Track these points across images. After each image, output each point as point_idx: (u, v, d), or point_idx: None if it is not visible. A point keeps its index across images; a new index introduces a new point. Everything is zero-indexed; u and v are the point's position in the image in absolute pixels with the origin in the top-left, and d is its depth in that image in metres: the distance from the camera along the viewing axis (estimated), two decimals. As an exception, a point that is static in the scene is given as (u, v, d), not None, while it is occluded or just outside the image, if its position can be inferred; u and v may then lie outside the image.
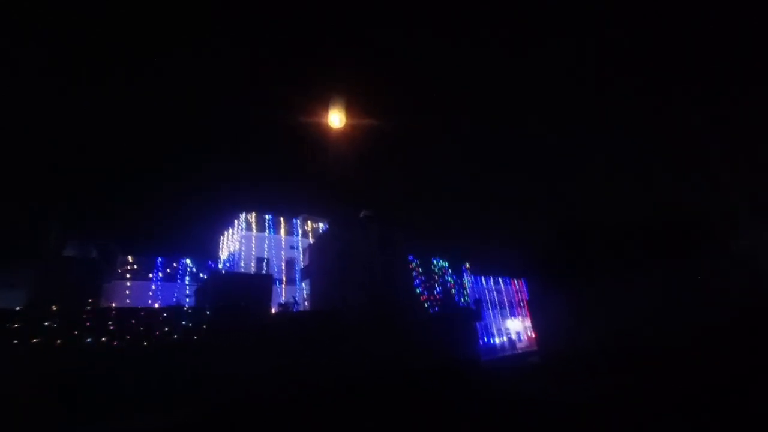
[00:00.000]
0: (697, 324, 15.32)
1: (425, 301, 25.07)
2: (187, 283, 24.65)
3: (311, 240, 30.83)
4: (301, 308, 26.91)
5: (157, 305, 21.48)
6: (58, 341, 11.42)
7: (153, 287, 23.59)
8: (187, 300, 21.12)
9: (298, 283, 29.34)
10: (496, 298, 40.58)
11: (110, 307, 16.34)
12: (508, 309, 40.84)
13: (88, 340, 11.80)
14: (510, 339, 38.46)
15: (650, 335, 16.63)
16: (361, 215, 25.60)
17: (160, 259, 25.05)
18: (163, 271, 24.71)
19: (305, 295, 28.41)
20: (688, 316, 15.91)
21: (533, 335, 27.02)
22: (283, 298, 27.14)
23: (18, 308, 12.58)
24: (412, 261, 25.84)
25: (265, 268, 28.63)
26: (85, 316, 12.14)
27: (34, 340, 11.19)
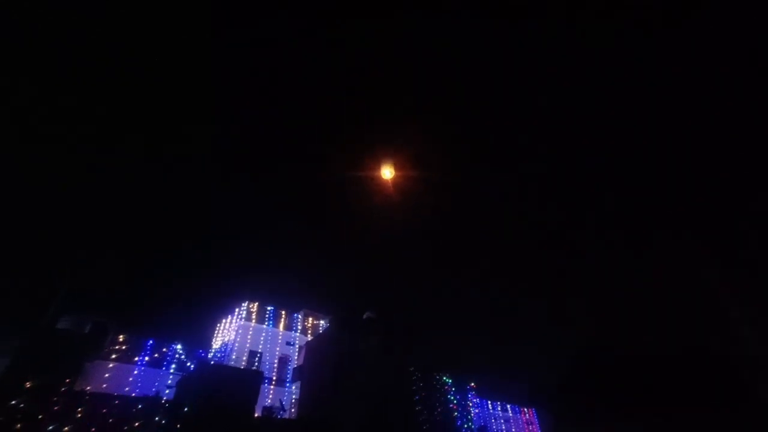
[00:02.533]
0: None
1: (424, 422, 22.57)
2: (171, 371, 23.12)
3: (309, 337, 29.48)
4: (288, 416, 24.43)
5: (134, 394, 19.88)
6: (18, 426, 10.42)
7: (135, 372, 22.13)
8: (167, 391, 19.58)
9: (288, 384, 27.20)
10: (503, 427, 36.26)
11: (85, 390, 15.20)
12: (516, 443, 36.08)
13: (50, 428, 10.74)
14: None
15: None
16: (365, 317, 24.81)
17: (151, 341, 23.98)
18: (151, 355, 23.42)
19: (293, 400, 26.05)
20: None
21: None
22: (269, 401, 24.92)
23: (-9, 381, 11.84)
24: (414, 373, 24.03)
25: (256, 364, 26.92)
26: (56, 398, 11.26)
27: (-6, 421, 10.25)
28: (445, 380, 27.06)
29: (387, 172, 24.20)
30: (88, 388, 18.89)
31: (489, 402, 36.66)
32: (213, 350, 29.66)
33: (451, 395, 27.26)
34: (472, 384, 34.00)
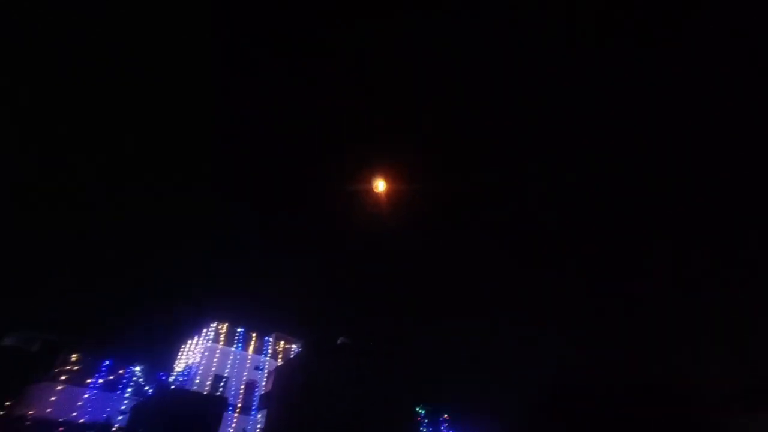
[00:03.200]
0: None
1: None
2: (127, 395, 21.51)
3: (280, 362, 28.23)
4: (250, 446, 22.97)
5: (83, 420, 18.30)
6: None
7: (86, 395, 20.47)
8: (119, 417, 18.13)
9: (254, 412, 25.72)
10: (476, 463, 35.14)
11: (26, 415, 13.86)
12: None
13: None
14: None
15: None
16: (339, 342, 24.03)
17: (107, 362, 22.38)
18: (106, 377, 21.79)
19: (258, 429, 24.57)
20: None
21: None
22: (232, 430, 23.45)
23: None
24: (387, 403, 23.18)
25: (221, 389, 25.44)
26: (-10, 424, 10.14)
27: None
28: (418, 410, 26.23)
29: (380, 185, 24.10)
30: (31, 412, 17.24)
31: (462, 435, 35.61)
32: (175, 373, 27.93)
33: (424, 427, 26.38)
34: (446, 415, 33.08)
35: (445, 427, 31.95)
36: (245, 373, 27.21)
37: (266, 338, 29.80)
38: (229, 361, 26.93)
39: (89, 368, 21.70)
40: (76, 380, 20.82)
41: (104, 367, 21.86)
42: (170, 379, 26.24)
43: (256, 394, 26.76)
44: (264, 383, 27.40)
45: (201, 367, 25.68)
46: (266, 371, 28.04)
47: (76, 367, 20.84)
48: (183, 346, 30.76)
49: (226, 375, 26.28)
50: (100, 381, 21.31)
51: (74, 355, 21.01)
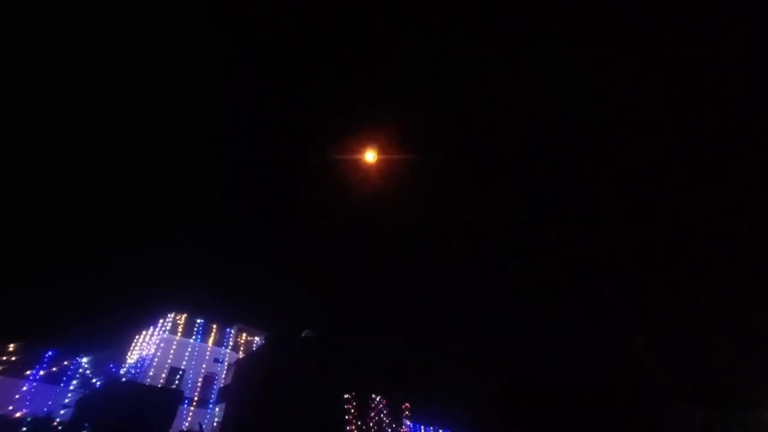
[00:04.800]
0: None
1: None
2: (72, 388, 20.16)
3: (241, 355, 27.46)
4: (206, 441, 22.19)
5: (19, 414, 16.94)
6: None
7: (25, 388, 18.98)
8: (62, 411, 16.95)
9: (211, 405, 24.89)
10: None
11: (-48, 408, 12.63)
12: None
13: None
14: None
15: None
16: (303, 335, 23.61)
17: (50, 352, 20.84)
18: (48, 369, 20.29)
19: (215, 423, 23.80)
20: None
21: None
22: (187, 424, 22.59)
23: None
24: (349, 395, 23.08)
25: (177, 383, 24.41)
26: None
27: None
28: (378, 401, 26.33)
29: (370, 156, 23.17)
30: (-41, 406, 15.76)
31: (422, 426, 36.19)
32: (127, 365, 26.53)
33: (385, 416, 26.53)
34: (407, 405, 33.45)
35: (406, 423, 32.32)
36: (204, 366, 26.26)
37: (228, 330, 28.88)
38: (187, 353, 25.88)
39: (29, 359, 20.12)
40: (14, 372, 19.25)
41: (46, 358, 20.35)
42: (121, 372, 24.89)
43: (215, 387, 25.91)
44: (224, 376, 26.57)
45: (156, 359, 24.52)
46: (226, 364, 27.19)
47: (13, 358, 19.26)
48: (137, 337, 29.28)
49: (183, 367, 25.25)
50: (42, 372, 19.83)
51: (11, 345, 19.40)
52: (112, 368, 24.42)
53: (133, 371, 25.21)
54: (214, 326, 28.35)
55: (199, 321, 27.73)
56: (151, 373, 23.70)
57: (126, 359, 27.82)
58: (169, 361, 24.84)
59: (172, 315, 26.85)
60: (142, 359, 26.00)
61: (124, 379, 23.21)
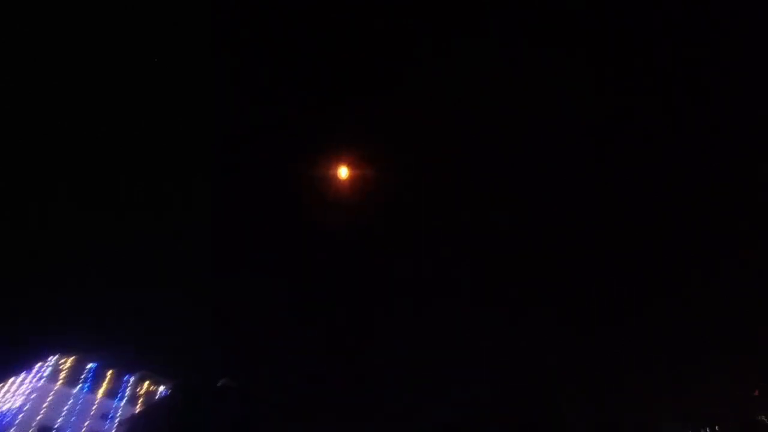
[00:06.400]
0: None
1: None
2: None
3: (138, 408, 23.01)
4: None
5: None
6: None
7: None
8: None
9: (89, 476, 20.12)
10: None
11: None
12: None
13: None
14: None
15: None
16: (220, 384, 20.42)
17: None
18: None
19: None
20: None
21: None
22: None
23: None
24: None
25: (46, 446, 19.56)
26: None
27: None
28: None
29: (343, 171, 22.02)
30: None
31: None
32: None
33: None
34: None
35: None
36: (87, 423, 21.46)
37: (126, 377, 24.30)
38: (66, 407, 21.05)
39: None
40: None
41: None
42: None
43: (98, 450, 21.18)
44: (112, 436, 21.90)
45: (21, 415, 19.58)
46: (117, 420, 22.50)
47: None
48: (1, 385, 23.54)
49: (56, 425, 20.36)
50: None
51: None
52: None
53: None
54: (110, 372, 23.74)
55: (90, 365, 23.08)
56: (11, 433, 18.75)
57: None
58: (39, 416, 19.95)
59: (55, 358, 22.12)
60: (2, 415, 20.68)
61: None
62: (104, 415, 22.23)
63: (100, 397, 22.56)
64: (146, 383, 24.89)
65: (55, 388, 21.30)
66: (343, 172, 22.67)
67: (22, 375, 22.98)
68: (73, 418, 20.94)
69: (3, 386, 23.66)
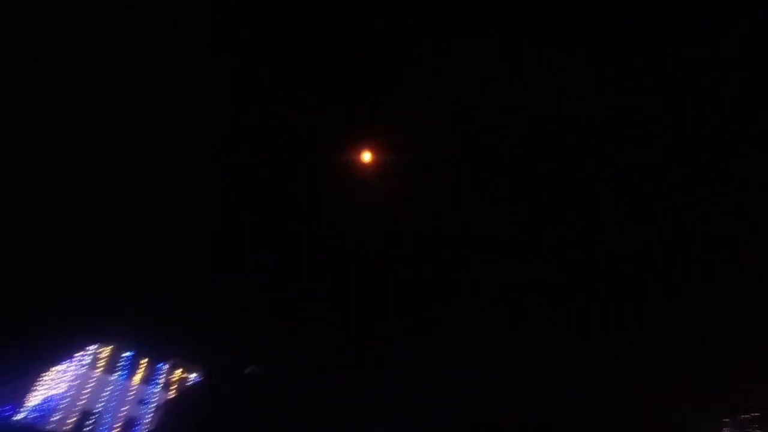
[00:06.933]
0: None
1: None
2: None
3: (172, 394, 24.04)
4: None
5: None
6: None
7: None
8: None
9: (129, 457, 21.23)
10: None
11: None
12: None
13: None
14: None
15: None
16: (247, 371, 21.06)
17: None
18: None
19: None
20: None
21: None
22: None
23: None
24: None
25: (89, 427, 20.70)
26: None
27: None
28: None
29: (367, 156, 22.43)
30: None
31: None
32: (27, 407, 22.25)
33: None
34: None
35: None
36: (125, 408, 22.59)
37: (160, 365, 25.36)
38: (106, 393, 22.19)
39: None
40: None
41: None
42: (18, 416, 20.76)
43: (136, 432, 22.27)
44: (148, 420, 22.95)
45: (65, 400, 20.77)
46: (152, 405, 23.60)
47: None
48: (44, 374, 24.95)
49: (98, 410, 21.51)
50: None
51: None
52: (6, 410, 20.37)
53: (34, 414, 21.11)
54: (145, 361, 24.82)
55: (125, 355, 24.18)
56: (56, 417, 19.92)
57: (25, 400, 23.43)
58: (81, 402, 21.13)
59: (94, 347, 23.26)
60: (48, 399, 21.96)
61: (20, 424, 19.34)
62: (141, 401, 23.33)
63: (137, 384, 23.67)
64: (179, 371, 25.93)
65: (95, 375, 22.43)
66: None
67: (65, 363, 24.30)
68: (112, 404, 22.10)
69: (47, 374, 25.10)
